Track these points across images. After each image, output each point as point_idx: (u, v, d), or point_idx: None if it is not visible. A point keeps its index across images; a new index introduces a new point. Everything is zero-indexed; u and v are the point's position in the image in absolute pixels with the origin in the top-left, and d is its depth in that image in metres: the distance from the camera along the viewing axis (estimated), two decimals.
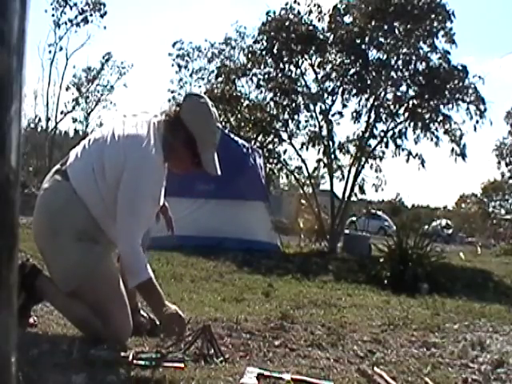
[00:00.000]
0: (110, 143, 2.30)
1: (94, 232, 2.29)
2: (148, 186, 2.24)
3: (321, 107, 10.96)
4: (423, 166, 10.82)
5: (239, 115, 11.67)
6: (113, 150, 2.27)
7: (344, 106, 10.88)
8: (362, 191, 11.53)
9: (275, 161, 11.89)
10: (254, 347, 2.47)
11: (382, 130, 10.88)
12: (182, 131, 2.30)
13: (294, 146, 11.45)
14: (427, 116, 10.47)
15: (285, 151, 11.91)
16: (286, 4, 10.85)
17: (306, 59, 10.84)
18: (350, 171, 11.06)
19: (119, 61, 34.04)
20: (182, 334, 2.20)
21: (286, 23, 10.59)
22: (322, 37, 10.66)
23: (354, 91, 10.55)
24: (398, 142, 10.76)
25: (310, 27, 10.66)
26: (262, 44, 10.97)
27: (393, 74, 10.48)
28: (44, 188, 2.37)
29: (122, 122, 2.39)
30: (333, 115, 11.03)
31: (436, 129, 10.55)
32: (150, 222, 2.44)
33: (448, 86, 10.00)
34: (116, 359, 1.99)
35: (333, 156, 11.10)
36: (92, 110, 32.35)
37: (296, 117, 11.14)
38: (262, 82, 11.27)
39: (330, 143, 11.09)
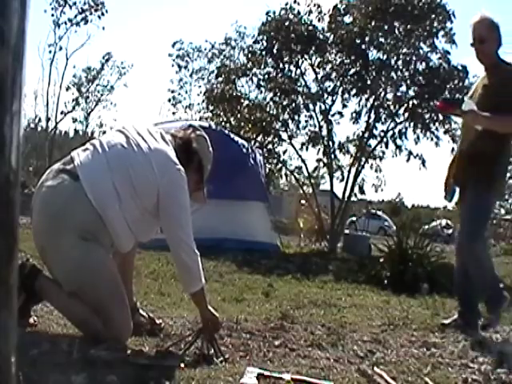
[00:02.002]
0: (136, 153, 2.35)
1: (98, 233, 2.29)
2: (186, 194, 2.39)
3: (321, 107, 10.98)
4: (424, 165, 10.85)
5: (239, 115, 11.67)
6: (143, 164, 2.33)
7: (344, 106, 10.90)
8: (362, 191, 11.55)
9: (275, 161, 11.90)
10: (254, 347, 2.47)
11: (382, 130, 10.90)
12: (195, 157, 2.53)
13: (293, 146, 11.47)
14: (427, 116, 10.47)
15: (285, 151, 11.94)
16: (286, 4, 10.87)
17: (305, 59, 10.84)
18: (349, 171, 11.08)
19: (119, 61, 34.09)
20: (213, 334, 2.39)
21: (286, 23, 10.59)
22: (321, 37, 10.66)
23: (354, 91, 10.56)
24: (398, 142, 10.79)
25: (310, 27, 10.66)
26: (262, 44, 10.97)
27: (393, 74, 10.49)
28: (48, 185, 2.32)
29: (135, 131, 2.45)
30: (333, 115, 11.05)
31: (436, 129, 10.57)
32: None
33: (448, 86, 10.01)
34: (116, 359, 1.99)
35: (333, 156, 11.11)
36: (92, 110, 32.37)
37: (296, 117, 11.15)
38: (262, 82, 11.28)
39: (330, 143, 11.10)
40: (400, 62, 10.57)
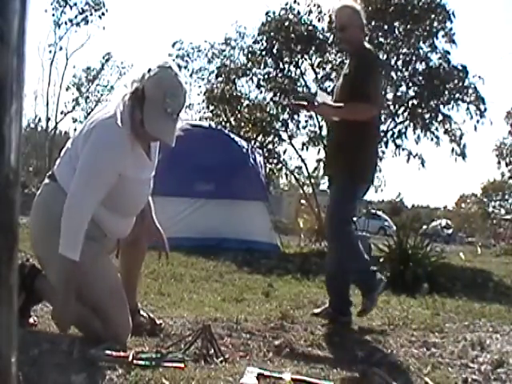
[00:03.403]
0: (80, 133, 2.36)
1: (90, 229, 2.24)
2: (107, 156, 2.23)
3: None
4: (423, 165, 10.83)
5: (239, 115, 11.66)
6: (83, 138, 2.30)
7: None
8: None
9: (275, 161, 11.89)
10: (254, 347, 2.47)
11: (382, 130, 10.87)
12: (139, 91, 2.24)
13: (294, 146, 11.46)
14: (427, 116, 10.46)
15: (285, 151, 11.92)
16: (286, 4, 10.85)
17: (305, 59, 10.83)
18: None
19: (119, 61, 34.07)
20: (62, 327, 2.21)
21: (286, 23, 10.58)
22: (321, 37, 10.65)
23: None
24: (398, 142, 10.77)
25: (310, 27, 10.65)
26: (262, 44, 10.96)
27: (393, 74, 10.48)
28: (37, 195, 2.43)
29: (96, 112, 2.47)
30: None
31: (436, 129, 10.55)
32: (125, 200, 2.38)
33: (448, 86, 10.00)
34: (116, 359, 1.99)
35: None
36: (92, 110, 32.28)
37: (296, 117, 11.14)
38: (262, 82, 11.26)
39: None
40: (400, 62, 10.56)
